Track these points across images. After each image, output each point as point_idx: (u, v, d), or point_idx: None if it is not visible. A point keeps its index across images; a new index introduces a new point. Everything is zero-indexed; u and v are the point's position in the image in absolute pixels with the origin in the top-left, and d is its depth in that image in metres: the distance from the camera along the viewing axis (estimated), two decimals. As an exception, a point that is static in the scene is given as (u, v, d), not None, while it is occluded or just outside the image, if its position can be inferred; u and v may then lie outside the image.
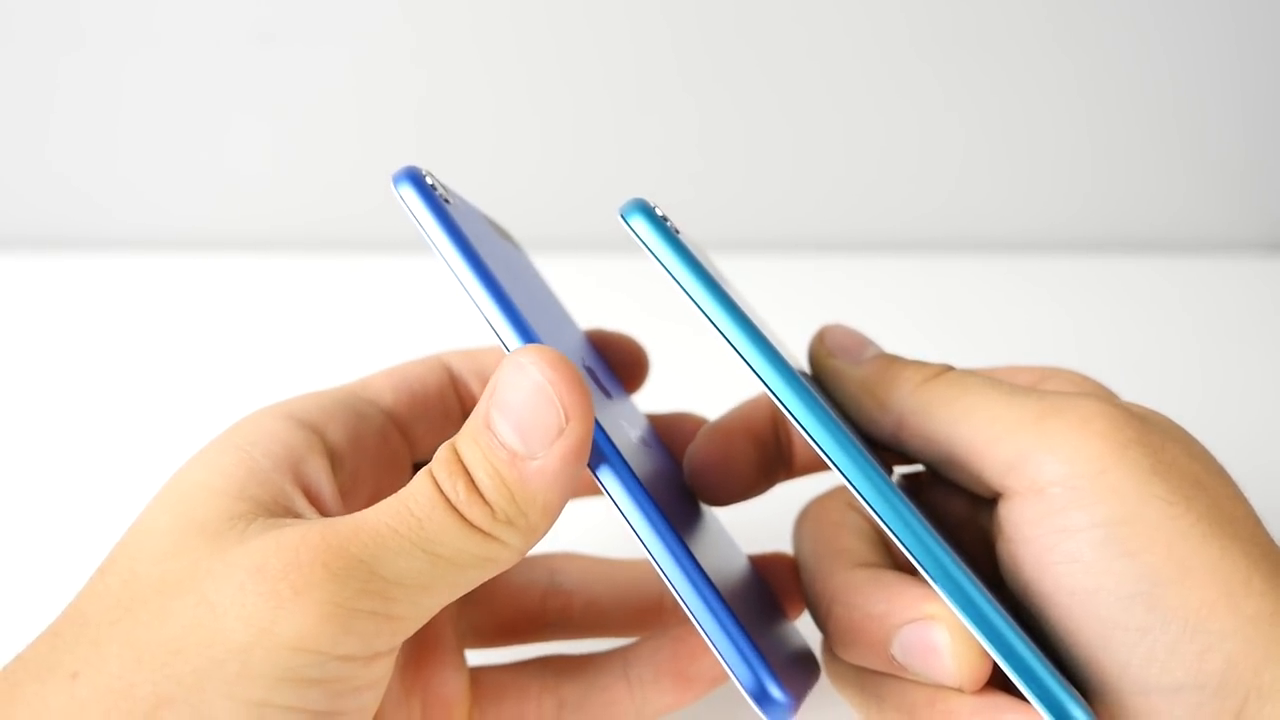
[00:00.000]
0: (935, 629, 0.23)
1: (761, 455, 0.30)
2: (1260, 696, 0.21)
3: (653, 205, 0.26)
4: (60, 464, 0.47)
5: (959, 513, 0.29)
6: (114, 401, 0.51)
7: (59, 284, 0.60)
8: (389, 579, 0.21)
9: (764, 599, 0.29)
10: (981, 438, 0.24)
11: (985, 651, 0.23)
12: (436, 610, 0.22)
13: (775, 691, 0.23)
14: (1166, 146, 0.65)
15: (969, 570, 0.23)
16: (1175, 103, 0.64)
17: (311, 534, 0.21)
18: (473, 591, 0.29)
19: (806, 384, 0.25)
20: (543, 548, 0.27)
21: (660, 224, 0.25)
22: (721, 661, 0.23)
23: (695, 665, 0.29)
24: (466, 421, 0.23)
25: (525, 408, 0.22)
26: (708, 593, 0.23)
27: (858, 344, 0.29)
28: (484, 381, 0.30)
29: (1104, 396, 0.25)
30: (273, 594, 0.20)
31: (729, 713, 0.33)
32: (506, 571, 0.29)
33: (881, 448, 0.28)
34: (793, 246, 0.66)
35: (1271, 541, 0.23)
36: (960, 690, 0.23)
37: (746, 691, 0.23)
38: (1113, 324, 0.60)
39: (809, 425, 0.24)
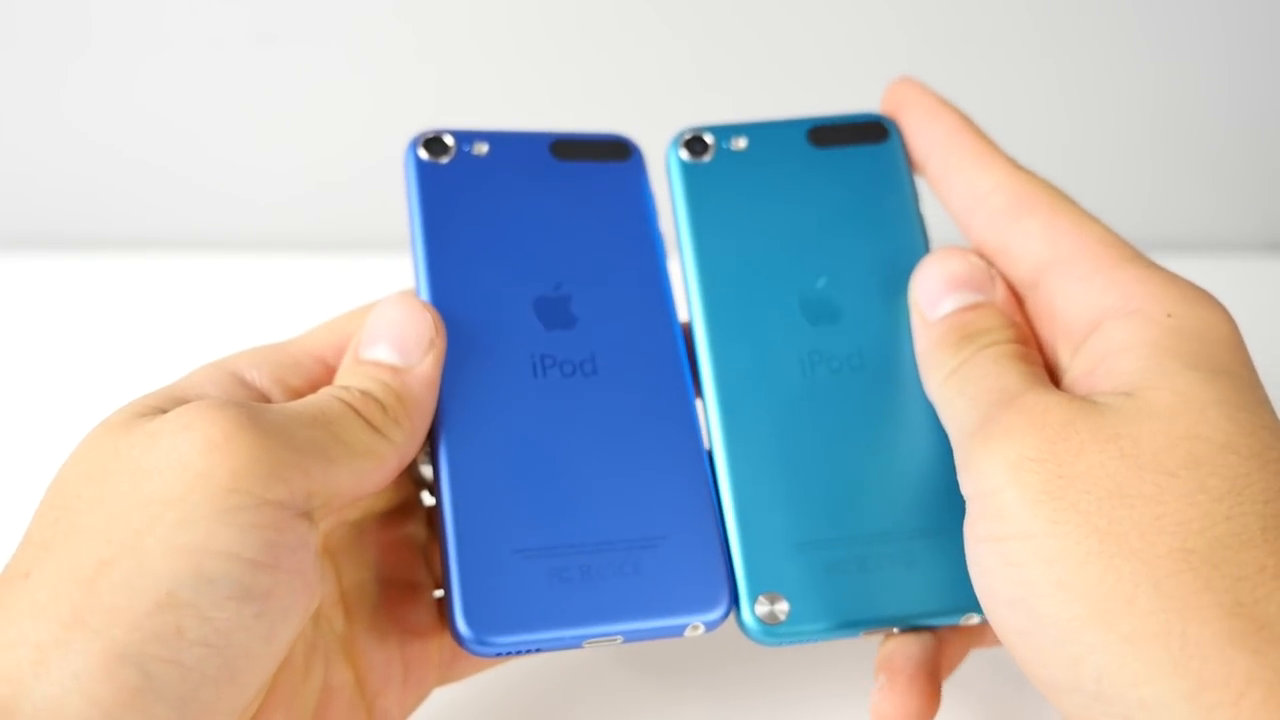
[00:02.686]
0: None
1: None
2: (1145, 710, 0.21)
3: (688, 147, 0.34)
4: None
5: None
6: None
7: (59, 284, 0.60)
8: (300, 444, 0.24)
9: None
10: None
11: None
12: (343, 491, 0.25)
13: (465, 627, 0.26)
14: (1166, 146, 0.65)
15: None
16: (1176, 103, 0.64)
17: (230, 404, 0.23)
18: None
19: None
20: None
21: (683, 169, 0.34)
22: None
23: None
24: (339, 369, 0.27)
25: (400, 326, 0.28)
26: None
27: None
28: None
29: (1057, 394, 0.26)
30: (204, 441, 0.22)
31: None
32: None
33: None
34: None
35: (1218, 563, 0.21)
36: None
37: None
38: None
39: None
